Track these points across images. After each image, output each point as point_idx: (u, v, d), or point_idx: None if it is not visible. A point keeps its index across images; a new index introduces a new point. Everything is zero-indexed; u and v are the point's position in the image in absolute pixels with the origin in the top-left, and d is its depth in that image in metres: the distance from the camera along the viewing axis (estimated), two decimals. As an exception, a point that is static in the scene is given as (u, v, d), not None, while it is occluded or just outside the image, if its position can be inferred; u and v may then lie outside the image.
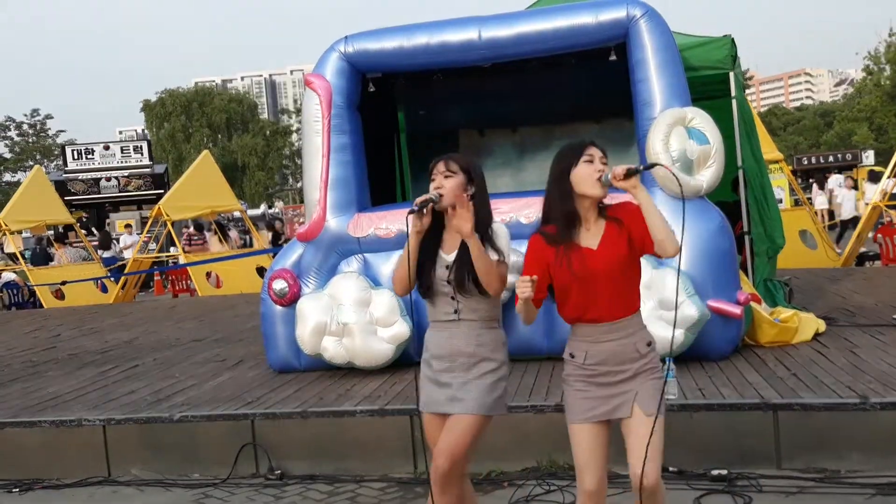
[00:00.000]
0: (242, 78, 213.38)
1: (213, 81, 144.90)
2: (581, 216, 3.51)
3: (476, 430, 3.72)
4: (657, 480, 3.49)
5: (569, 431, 3.61)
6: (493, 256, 3.69)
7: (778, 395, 5.48)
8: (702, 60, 7.71)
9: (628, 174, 3.35)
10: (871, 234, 14.05)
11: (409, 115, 9.76)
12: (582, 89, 8.74)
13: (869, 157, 37.80)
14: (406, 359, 7.13)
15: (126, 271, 17.78)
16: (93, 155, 33.02)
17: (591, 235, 3.50)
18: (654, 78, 6.82)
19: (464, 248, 3.67)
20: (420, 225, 3.64)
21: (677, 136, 6.60)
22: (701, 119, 6.68)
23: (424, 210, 3.61)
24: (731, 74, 7.84)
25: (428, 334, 3.84)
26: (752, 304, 6.92)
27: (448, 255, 3.73)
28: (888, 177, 13.81)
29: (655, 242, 3.36)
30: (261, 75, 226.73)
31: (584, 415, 3.54)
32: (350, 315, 6.77)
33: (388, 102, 9.41)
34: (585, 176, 3.45)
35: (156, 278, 19.85)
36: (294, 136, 71.99)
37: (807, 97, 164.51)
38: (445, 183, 3.67)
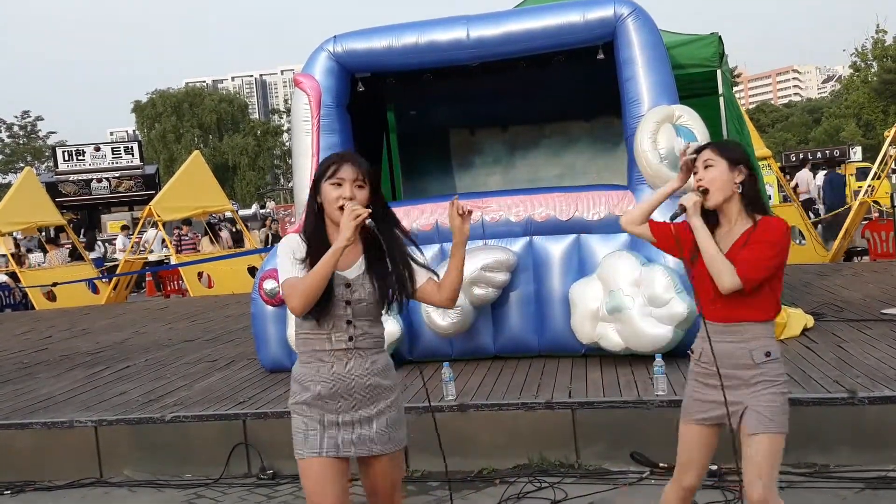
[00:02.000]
0: (233, 78, 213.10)
1: (204, 82, 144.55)
2: (722, 215, 3.41)
3: (403, 463, 3.36)
4: (766, 498, 3.33)
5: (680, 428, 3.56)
6: (424, 275, 3.30)
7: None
8: (689, 58, 7.75)
9: (673, 218, 3.42)
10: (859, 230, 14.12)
11: (399, 115, 9.79)
12: (571, 88, 8.78)
13: (857, 153, 37.97)
14: (397, 358, 7.14)
15: (117, 272, 17.75)
16: (84, 156, 32.98)
17: (725, 235, 3.40)
18: (642, 76, 6.85)
19: (373, 261, 3.25)
20: (354, 239, 3.13)
21: (665, 133, 6.63)
22: (689, 116, 6.71)
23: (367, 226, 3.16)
24: (719, 72, 7.88)
25: (304, 370, 3.26)
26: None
27: (346, 272, 3.21)
28: (875, 173, 13.89)
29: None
30: (251, 75, 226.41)
31: (691, 416, 3.49)
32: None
33: (378, 102, 9.43)
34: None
35: (147, 279, 19.82)
36: (285, 136, 71.84)
37: (795, 94, 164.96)
38: (357, 194, 3.19)
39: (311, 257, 3.18)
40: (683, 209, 3.38)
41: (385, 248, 3.26)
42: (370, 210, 3.12)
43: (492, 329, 7.14)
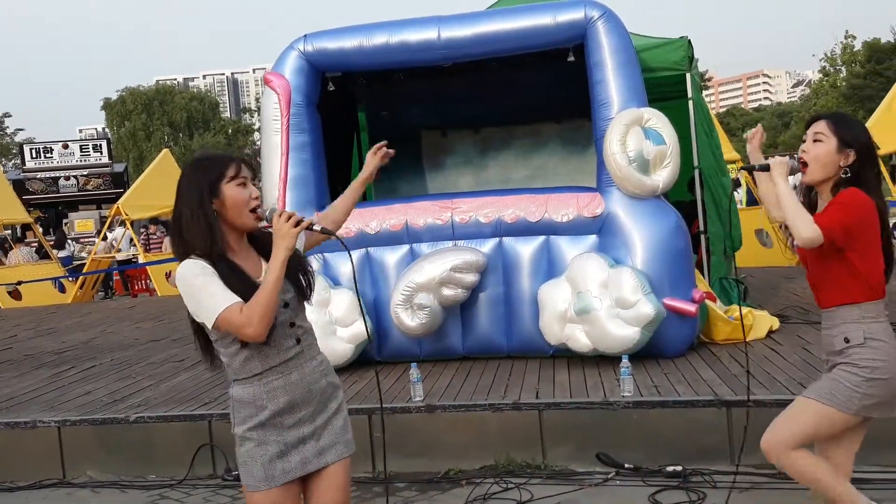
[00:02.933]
0: (205, 76, 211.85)
1: (175, 80, 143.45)
2: (820, 199, 3.41)
3: (349, 472, 3.13)
4: (767, 448, 3.49)
5: None
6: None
7: (731, 392, 5.55)
8: (659, 62, 7.80)
9: (749, 170, 3.53)
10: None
11: (370, 115, 9.76)
12: (542, 90, 8.80)
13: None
14: (365, 358, 7.14)
15: (84, 271, 17.58)
16: (51, 154, 32.57)
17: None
18: (612, 79, 6.88)
19: (294, 266, 3.02)
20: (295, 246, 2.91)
21: (634, 136, 6.66)
22: (657, 120, 6.75)
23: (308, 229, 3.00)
24: (688, 76, 7.94)
25: (255, 390, 2.96)
26: (707, 302, 7.02)
27: (261, 279, 2.92)
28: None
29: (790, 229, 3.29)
30: (223, 74, 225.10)
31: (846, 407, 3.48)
32: (310, 315, 6.72)
33: (349, 102, 9.40)
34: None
35: (115, 278, 19.63)
36: (256, 135, 71.44)
37: (765, 98, 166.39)
38: (256, 193, 3.02)
39: (222, 277, 2.86)
40: (766, 167, 3.34)
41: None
42: (311, 219, 2.98)
43: (461, 330, 7.14)
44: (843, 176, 3.29)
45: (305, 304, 3.08)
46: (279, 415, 2.97)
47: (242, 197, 2.90)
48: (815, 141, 3.28)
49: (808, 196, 3.46)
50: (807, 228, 3.19)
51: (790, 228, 3.25)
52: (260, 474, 2.97)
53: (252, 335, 2.82)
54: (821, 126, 3.31)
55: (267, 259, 2.93)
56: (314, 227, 2.99)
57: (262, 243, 3.04)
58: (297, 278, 3.02)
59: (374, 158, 3.26)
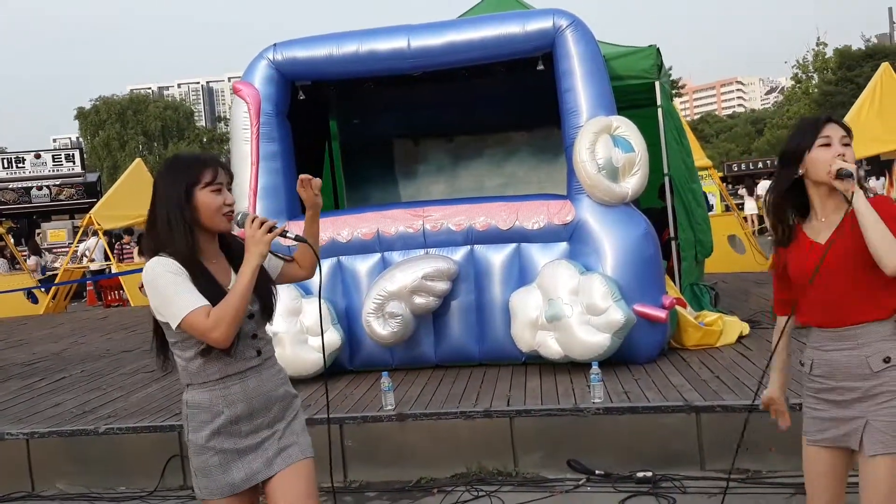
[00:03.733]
0: (179, 85, 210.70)
1: (149, 89, 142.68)
2: (814, 204, 3.00)
3: (314, 473, 3.08)
4: None
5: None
6: (278, 263, 3.18)
7: (701, 398, 5.59)
8: (628, 70, 7.85)
9: (839, 175, 2.85)
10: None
11: (342, 124, 9.77)
12: (513, 98, 8.84)
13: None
14: (337, 367, 7.13)
15: (56, 281, 17.43)
16: (23, 163, 32.33)
17: (825, 227, 2.97)
18: (581, 87, 6.92)
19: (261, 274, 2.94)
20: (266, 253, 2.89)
21: (603, 144, 6.70)
22: (626, 127, 6.80)
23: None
24: (657, 83, 7.99)
25: (212, 395, 2.90)
26: (678, 308, 7.07)
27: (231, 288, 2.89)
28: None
29: (875, 256, 2.80)
30: (198, 82, 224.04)
31: (813, 436, 3.03)
32: (280, 324, 6.73)
33: (320, 110, 9.40)
34: (824, 161, 2.90)
35: (88, 288, 19.48)
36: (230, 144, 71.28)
37: (739, 105, 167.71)
38: (230, 199, 2.96)
39: (193, 280, 2.83)
40: (850, 173, 2.84)
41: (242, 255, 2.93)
42: (283, 226, 2.96)
43: (433, 338, 7.15)
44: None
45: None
46: (236, 421, 2.91)
47: (216, 204, 2.87)
48: (845, 144, 2.93)
49: (784, 197, 3.04)
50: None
51: (886, 257, 2.76)
52: (216, 483, 2.91)
53: (217, 340, 2.77)
54: (839, 130, 2.97)
55: (236, 268, 2.90)
56: (287, 234, 2.94)
57: (234, 252, 2.99)
58: (264, 293, 2.99)
59: (305, 192, 3.07)
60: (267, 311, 3.02)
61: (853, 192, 2.82)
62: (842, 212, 2.89)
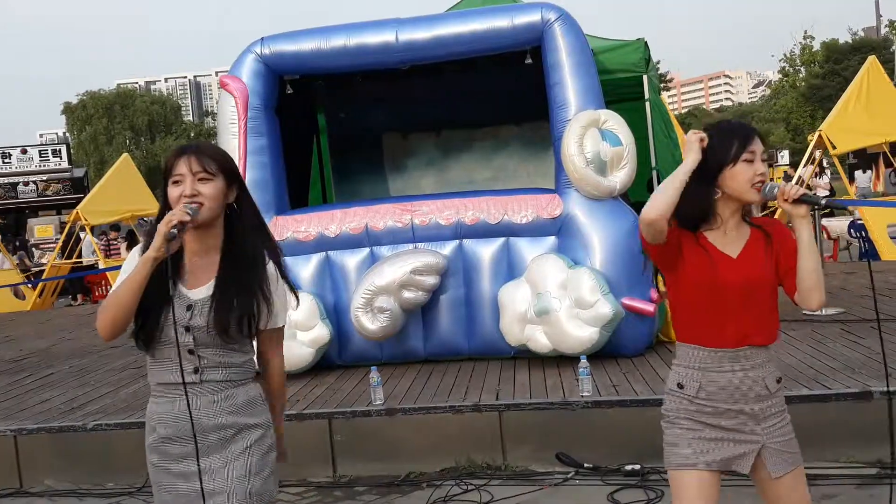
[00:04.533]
0: (166, 79, 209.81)
1: (136, 83, 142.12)
2: (721, 218, 2.84)
3: None
4: None
5: (670, 478, 2.92)
6: (266, 318, 2.74)
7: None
8: (616, 64, 7.85)
9: (803, 200, 2.74)
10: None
11: (330, 118, 9.75)
12: (502, 92, 8.83)
13: (784, 157, 38.85)
14: (326, 361, 7.12)
15: (43, 277, 17.36)
16: (10, 159, 32.17)
17: (731, 242, 2.83)
18: (569, 81, 6.93)
19: (224, 281, 2.68)
20: (166, 249, 2.57)
21: (591, 137, 6.71)
22: (614, 121, 6.80)
23: (178, 232, 2.58)
24: (645, 77, 7.99)
25: (152, 408, 2.74)
26: (666, 302, 7.08)
27: (193, 292, 2.67)
28: (800, 176, 14.22)
29: (800, 290, 2.76)
30: (185, 77, 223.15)
31: (694, 459, 2.82)
32: (269, 319, 6.70)
33: (308, 104, 9.38)
34: (744, 180, 2.76)
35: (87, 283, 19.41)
36: (217, 138, 71.13)
37: (726, 98, 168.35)
38: (202, 189, 2.66)
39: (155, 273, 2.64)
40: (813, 197, 2.78)
41: (231, 267, 2.70)
42: (189, 210, 2.59)
43: (422, 333, 7.15)
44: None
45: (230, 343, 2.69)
46: (166, 441, 2.69)
47: (173, 196, 2.66)
48: (763, 160, 2.82)
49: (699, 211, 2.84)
50: (821, 294, 2.77)
51: (815, 292, 2.74)
52: (156, 501, 2.76)
53: (97, 326, 2.63)
54: (762, 145, 2.84)
55: (229, 269, 2.69)
56: (176, 230, 2.58)
57: (235, 250, 2.75)
58: (222, 313, 2.63)
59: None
60: (221, 334, 2.64)
61: (800, 217, 2.74)
62: (742, 230, 2.84)
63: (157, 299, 2.61)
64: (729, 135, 2.80)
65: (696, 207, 2.79)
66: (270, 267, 2.74)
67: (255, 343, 2.80)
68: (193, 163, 2.64)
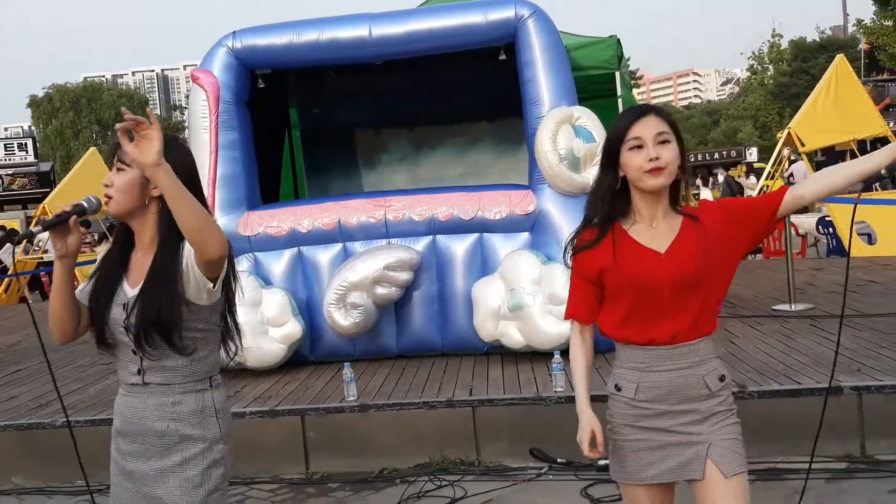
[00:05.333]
0: (134, 73, 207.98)
1: (104, 77, 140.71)
2: (639, 212, 2.64)
3: None
4: None
5: (620, 491, 2.78)
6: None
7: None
8: (589, 60, 7.89)
9: None
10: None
11: (303, 113, 9.70)
12: (475, 88, 8.84)
13: (752, 154, 39.22)
14: (299, 358, 7.09)
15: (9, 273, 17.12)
16: (-26, 152, 31.75)
17: (659, 235, 2.63)
18: (542, 77, 6.93)
19: (153, 276, 2.51)
20: (64, 245, 2.52)
21: (564, 134, 6.72)
22: (587, 118, 6.82)
23: (69, 223, 2.50)
24: (617, 74, 8.04)
25: (117, 399, 2.69)
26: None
27: (132, 289, 2.56)
28: (769, 173, 14.35)
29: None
30: (153, 70, 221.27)
31: (639, 474, 2.64)
32: (241, 315, 6.64)
33: (280, 99, 9.32)
34: (635, 167, 2.57)
35: (42, 279, 19.17)
36: (187, 133, 70.49)
37: (695, 96, 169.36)
38: (115, 179, 2.53)
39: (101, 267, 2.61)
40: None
41: (154, 269, 2.53)
42: (84, 201, 2.52)
43: (395, 329, 7.13)
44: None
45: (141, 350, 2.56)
46: (117, 434, 2.65)
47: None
48: (662, 143, 2.58)
49: (611, 202, 2.66)
50: None
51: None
52: (111, 489, 2.69)
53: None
54: (660, 123, 2.60)
55: (155, 262, 2.55)
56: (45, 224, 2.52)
57: (162, 245, 2.58)
58: (149, 311, 2.49)
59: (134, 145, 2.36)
60: (143, 339, 2.50)
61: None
62: (672, 221, 2.63)
63: (102, 298, 2.56)
64: (617, 122, 2.64)
65: (600, 200, 2.65)
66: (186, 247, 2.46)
67: (211, 348, 2.64)
68: (120, 153, 2.51)
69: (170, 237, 2.50)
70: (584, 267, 2.68)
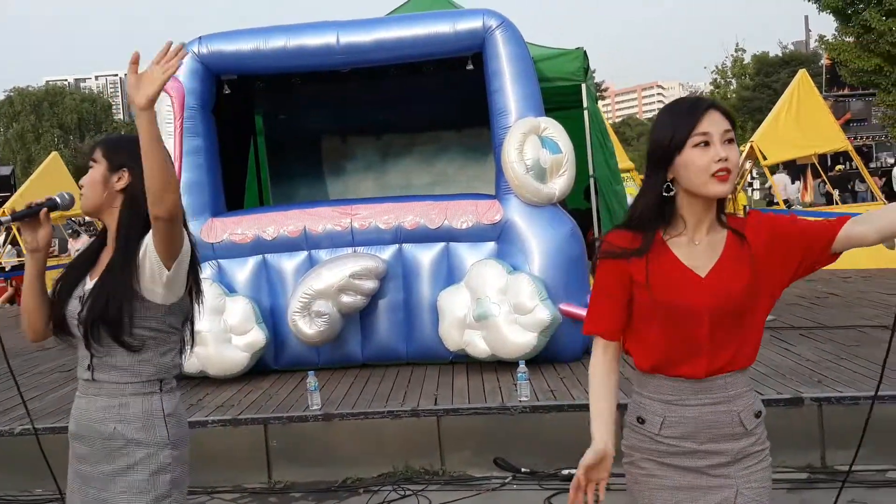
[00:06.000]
0: (97, 77, 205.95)
1: (66, 80, 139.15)
2: (684, 222, 2.30)
3: None
4: None
5: None
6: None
7: (624, 395, 5.65)
8: (555, 72, 7.92)
9: None
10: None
11: (269, 120, 9.66)
12: (443, 97, 8.85)
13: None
14: (262, 366, 7.03)
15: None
16: (-68, 155, 31.24)
17: (701, 254, 2.28)
18: (509, 88, 6.96)
19: (108, 271, 2.51)
20: (35, 239, 2.57)
21: (531, 144, 6.75)
22: (553, 129, 6.86)
23: (39, 216, 2.58)
24: (584, 86, 8.08)
25: (74, 402, 2.66)
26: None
27: (91, 282, 2.56)
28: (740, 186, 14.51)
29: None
30: (116, 75, 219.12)
31: None
32: (203, 323, 6.61)
33: (246, 105, 9.27)
34: (699, 169, 2.21)
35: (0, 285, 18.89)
36: (152, 138, 69.94)
37: (659, 108, 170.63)
38: (86, 177, 2.59)
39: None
40: None
41: (111, 264, 2.52)
42: (57, 196, 2.62)
43: (360, 337, 7.11)
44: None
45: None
46: (73, 437, 2.61)
47: None
48: (728, 141, 2.24)
49: (655, 210, 2.29)
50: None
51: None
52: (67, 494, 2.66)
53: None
54: (725, 121, 2.25)
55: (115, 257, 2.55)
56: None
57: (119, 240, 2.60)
58: (95, 304, 2.47)
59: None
60: (91, 333, 2.48)
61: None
62: (717, 237, 2.29)
63: (63, 290, 2.57)
64: (673, 115, 2.29)
65: (645, 207, 2.29)
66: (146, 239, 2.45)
67: (163, 350, 2.58)
68: (92, 153, 2.59)
69: (130, 232, 2.50)
70: (611, 276, 2.33)
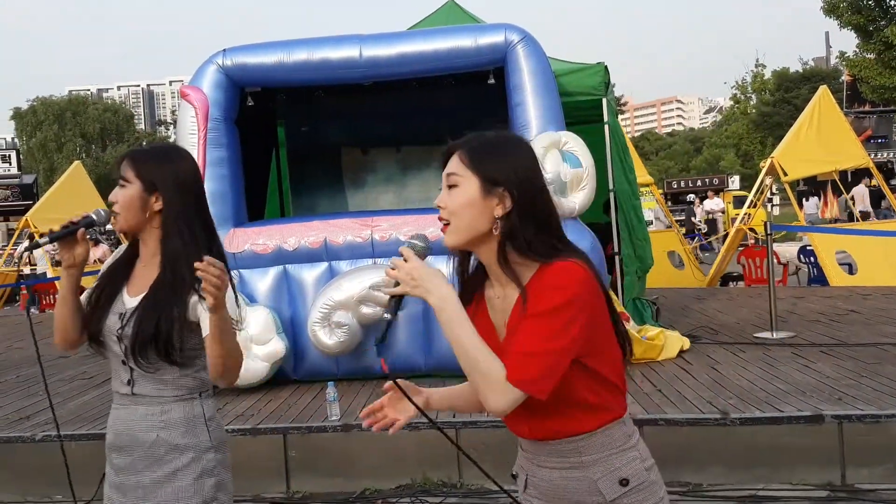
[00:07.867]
0: (119, 87, 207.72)
1: (89, 90, 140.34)
2: (489, 269, 2.12)
3: None
4: None
5: None
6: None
7: (644, 411, 5.66)
8: (576, 86, 7.94)
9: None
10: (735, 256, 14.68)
11: (290, 131, 9.72)
12: (463, 111, 8.86)
13: (735, 182, 39.53)
14: (281, 376, 7.07)
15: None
16: (-43, 163, 31.58)
17: (501, 311, 2.09)
18: (531, 102, 6.99)
19: (155, 293, 2.51)
20: (71, 256, 2.59)
21: (552, 159, 6.77)
22: (574, 143, 6.87)
23: (77, 235, 2.59)
24: (605, 100, 8.10)
25: (110, 413, 2.69)
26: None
27: (130, 299, 2.56)
28: (751, 202, 14.47)
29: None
30: (138, 85, 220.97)
31: None
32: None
33: (268, 117, 9.34)
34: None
35: (22, 292, 19.05)
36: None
37: (678, 123, 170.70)
38: (118, 195, 2.56)
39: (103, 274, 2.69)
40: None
41: (157, 283, 2.53)
42: (93, 213, 2.64)
43: (379, 348, 7.11)
44: (498, 232, 2.05)
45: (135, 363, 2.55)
46: (110, 447, 2.63)
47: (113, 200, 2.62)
48: (450, 186, 2.08)
49: (464, 269, 2.19)
50: (495, 397, 1.92)
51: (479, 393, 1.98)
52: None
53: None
54: (454, 162, 2.09)
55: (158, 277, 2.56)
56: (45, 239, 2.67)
57: (167, 261, 2.59)
58: (145, 321, 2.48)
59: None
60: (139, 352, 2.49)
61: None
62: (511, 291, 2.04)
63: (100, 303, 2.59)
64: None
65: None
66: (194, 299, 2.46)
67: (200, 359, 2.60)
68: (121, 168, 2.58)
69: (175, 256, 2.50)
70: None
